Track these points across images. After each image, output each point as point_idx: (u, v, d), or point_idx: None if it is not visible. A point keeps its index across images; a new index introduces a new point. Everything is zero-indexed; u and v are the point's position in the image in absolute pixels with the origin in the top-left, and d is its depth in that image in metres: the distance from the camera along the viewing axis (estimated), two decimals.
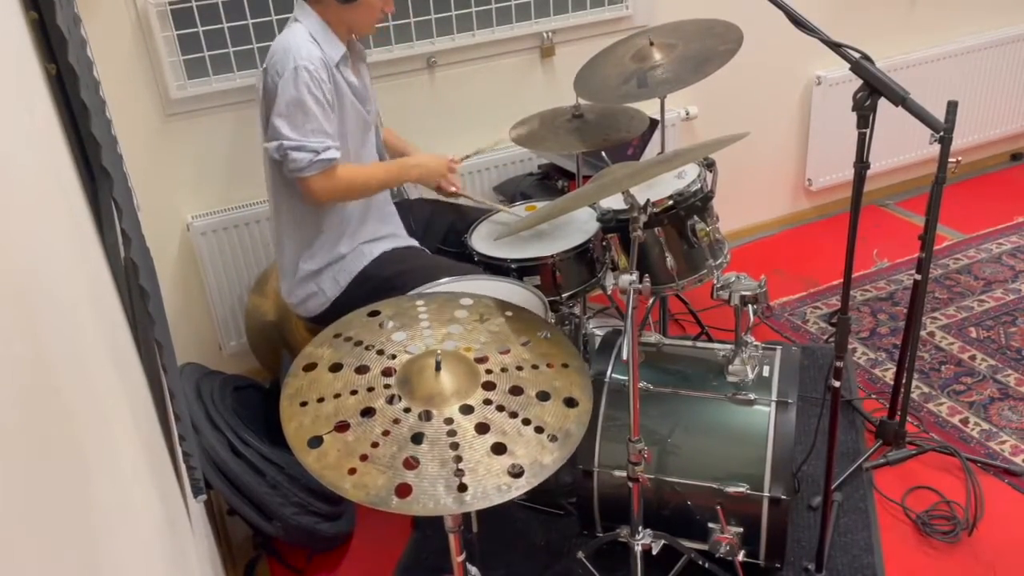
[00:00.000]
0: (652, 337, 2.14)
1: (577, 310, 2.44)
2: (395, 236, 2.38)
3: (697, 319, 2.90)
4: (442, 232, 2.52)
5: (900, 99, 1.59)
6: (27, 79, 0.92)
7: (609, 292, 2.60)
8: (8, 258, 0.62)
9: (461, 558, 1.56)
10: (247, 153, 2.63)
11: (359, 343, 1.51)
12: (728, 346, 2.06)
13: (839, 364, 1.83)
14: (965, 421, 2.51)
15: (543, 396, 1.43)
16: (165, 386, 1.43)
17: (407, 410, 1.38)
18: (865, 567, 2.07)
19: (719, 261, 2.35)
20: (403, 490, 1.27)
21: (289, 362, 1.54)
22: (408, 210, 2.50)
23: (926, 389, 2.65)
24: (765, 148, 3.51)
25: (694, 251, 2.30)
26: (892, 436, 2.41)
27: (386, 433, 1.34)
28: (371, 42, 2.68)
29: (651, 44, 2.46)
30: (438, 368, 1.41)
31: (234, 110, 2.61)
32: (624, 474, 1.83)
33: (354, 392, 1.41)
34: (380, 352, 1.49)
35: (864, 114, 1.63)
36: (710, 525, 1.92)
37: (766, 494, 1.88)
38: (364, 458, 1.30)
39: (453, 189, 2.36)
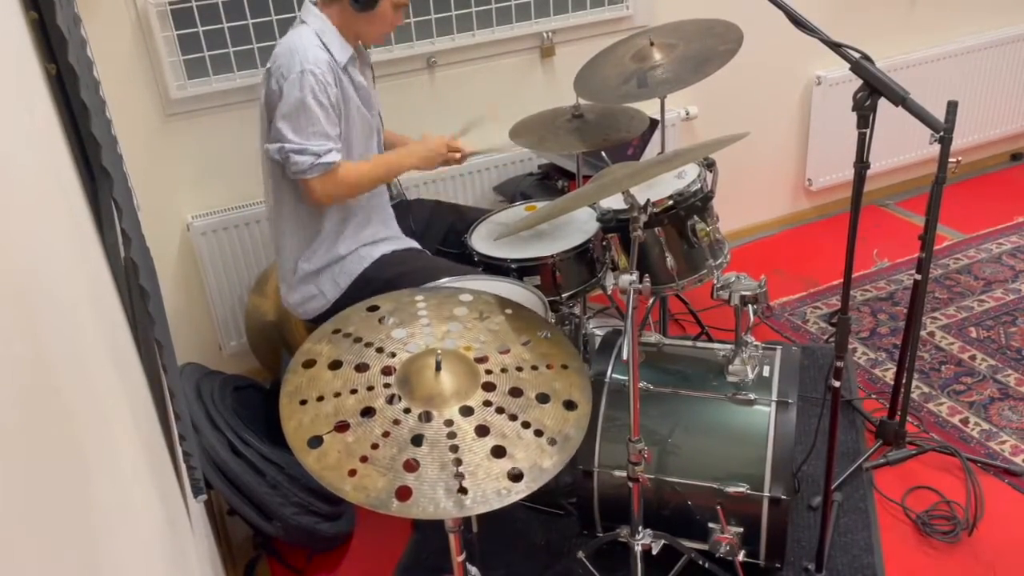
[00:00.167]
0: (652, 337, 2.14)
1: (577, 310, 2.44)
2: (395, 238, 2.38)
3: (697, 319, 2.90)
4: (441, 233, 2.52)
5: (900, 99, 1.59)
6: (27, 79, 0.92)
7: (609, 292, 2.60)
8: (8, 258, 0.62)
9: (461, 558, 1.56)
10: (247, 153, 2.63)
11: (358, 339, 1.50)
12: (728, 346, 2.06)
13: (839, 364, 1.83)
14: (965, 421, 2.51)
15: (543, 398, 1.43)
16: (165, 386, 1.43)
17: (407, 411, 1.38)
18: (865, 567, 2.07)
19: (719, 261, 2.35)
20: (403, 493, 1.27)
21: (289, 362, 1.54)
22: (407, 210, 2.50)
23: (926, 389, 2.65)
24: (765, 148, 3.51)
25: (694, 251, 2.30)
26: (892, 436, 2.41)
27: (386, 434, 1.34)
28: None
29: (651, 44, 2.46)
30: (438, 368, 1.41)
31: (234, 110, 2.61)
32: (624, 474, 1.83)
33: (354, 391, 1.40)
34: (380, 350, 1.48)
35: (864, 114, 1.63)
36: (710, 525, 1.92)
37: (766, 494, 1.88)
38: (364, 459, 1.30)
39: (459, 156, 2.35)
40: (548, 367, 1.50)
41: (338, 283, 2.27)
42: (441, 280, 2.09)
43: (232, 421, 2.21)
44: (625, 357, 1.57)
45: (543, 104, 2.58)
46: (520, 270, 2.25)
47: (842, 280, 1.80)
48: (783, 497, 1.86)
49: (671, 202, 2.26)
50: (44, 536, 0.56)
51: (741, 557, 1.90)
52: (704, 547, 1.93)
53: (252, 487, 2.10)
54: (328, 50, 2.10)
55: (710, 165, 2.44)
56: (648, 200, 1.77)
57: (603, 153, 2.49)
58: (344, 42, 2.14)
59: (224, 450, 2.12)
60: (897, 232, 3.59)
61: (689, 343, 2.20)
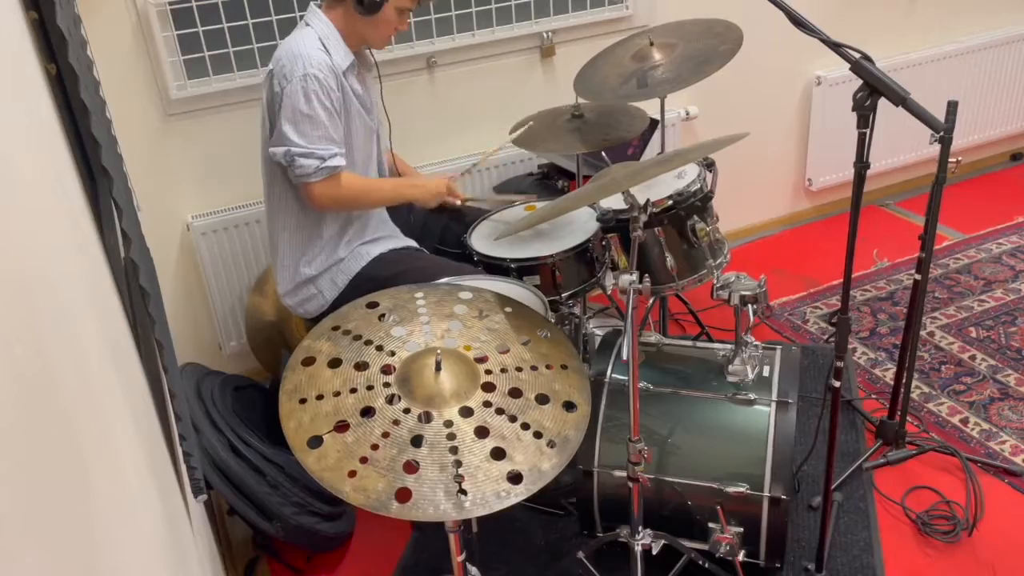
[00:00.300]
0: (652, 337, 2.14)
1: (577, 310, 2.44)
2: (393, 237, 2.38)
3: (697, 319, 2.90)
4: (439, 231, 2.52)
5: (900, 99, 1.59)
6: (27, 79, 0.92)
7: (609, 292, 2.59)
8: (8, 258, 0.62)
9: (461, 558, 1.56)
10: (247, 153, 2.62)
11: (358, 337, 1.50)
12: (728, 346, 2.06)
13: (839, 364, 1.83)
14: (965, 421, 2.51)
15: (542, 399, 1.43)
16: (165, 386, 1.43)
17: (407, 411, 1.37)
18: (865, 567, 2.07)
19: (719, 261, 2.35)
20: (403, 495, 1.26)
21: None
22: (407, 210, 2.50)
23: (926, 389, 2.65)
24: (765, 148, 3.51)
25: (694, 251, 2.30)
26: (892, 436, 2.41)
27: (386, 435, 1.33)
28: None
29: (651, 44, 2.46)
30: (438, 368, 1.41)
31: (234, 110, 2.61)
32: (624, 474, 1.83)
33: (353, 390, 1.40)
34: (379, 348, 1.48)
35: (864, 114, 1.63)
36: (710, 525, 1.92)
37: (766, 494, 1.88)
38: (364, 460, 1.30)
39: (458, 202, 2.41)
40: (548, 368, 1.49)
41: (336, 283, 2.28)
42: (441, 280, 2.08)
43: (232, 421, 2.21)
44: (625, 357, 1.57)
45: (543, 104, 2.58)
46: (520, 270, 2.25)
47: (842, 280, 1.80)
48: (783, 497, 1.86)
49: (671, 202, 2.26)
50: (44, 536, 0.56)
51: (741, 557, 1.90)
52: (704, 547, 1.93)
53: (252, 487, 2.10)
54: (330, 54, 2.10)
55: (710, 165, 2.44)
56: (648, 200, 1.77)
57: (603, 153, 2.50)
58: (347, 48, 2.14)
59: (224, 450, 2.12)
60: (897, 232, 3.59)
61: (689, 343, 2.20)
